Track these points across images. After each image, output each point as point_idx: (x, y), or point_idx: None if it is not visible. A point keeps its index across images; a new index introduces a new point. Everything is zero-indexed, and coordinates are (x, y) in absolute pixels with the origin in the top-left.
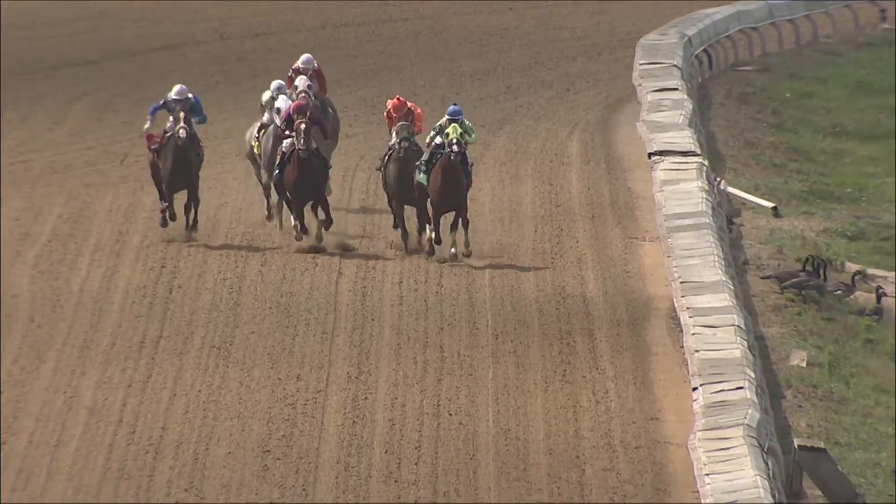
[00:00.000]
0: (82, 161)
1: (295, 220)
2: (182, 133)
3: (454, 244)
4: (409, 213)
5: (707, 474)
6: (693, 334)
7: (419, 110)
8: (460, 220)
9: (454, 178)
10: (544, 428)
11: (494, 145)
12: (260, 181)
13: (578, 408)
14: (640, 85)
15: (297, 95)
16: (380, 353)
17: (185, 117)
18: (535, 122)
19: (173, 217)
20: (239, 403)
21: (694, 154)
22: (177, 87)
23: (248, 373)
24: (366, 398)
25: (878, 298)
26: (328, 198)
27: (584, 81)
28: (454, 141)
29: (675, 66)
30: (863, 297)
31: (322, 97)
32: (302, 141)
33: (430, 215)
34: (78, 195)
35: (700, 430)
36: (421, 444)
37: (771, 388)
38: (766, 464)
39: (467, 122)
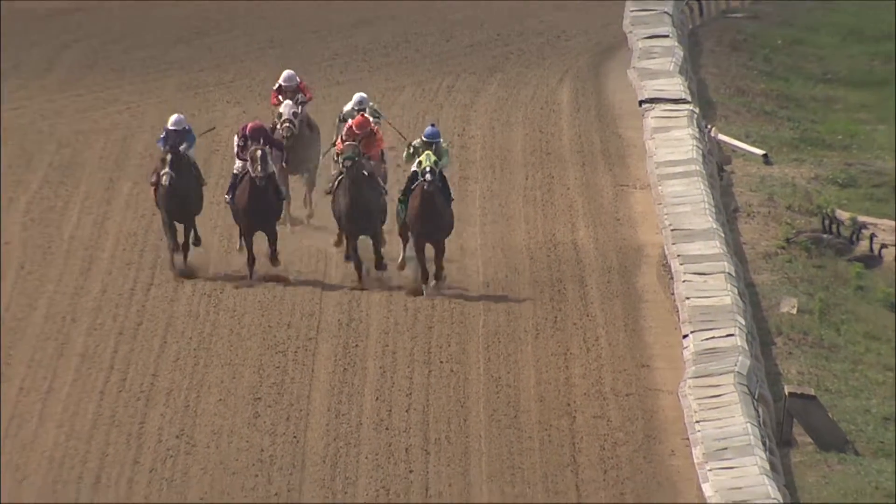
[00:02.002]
0: (73, 108)
1: (243, 246)
2: (165, 181)
3: (430, 279)
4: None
5: (697, 421)
6: (684, 282)
7: (381, 135)
8: (440, 258)
9: (430, 207)
10: (535, 375)
11: (485, 93)
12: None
13: (569, 355)
14: (630, 32)
15: (282, 125)
16: (370, 301)
17: (171, 160)
18: (526, 70)
19: (176, 249)
20: (230, 351)
21: (685, 101)
22: (174, 117)
23: (238, 320)
24: (356, 346)
25: (872, 246)
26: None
27: (574, 29)
28: (427, 170)
29: (665, 13)
30: (864, 245)
31: (307, 118)
32: (259, 168)
33: (411, 242)
34: (69, 143)
35: (690, 378)
36: (412, 391)
37: (761, 335)
38: (757, 411)
39: (443, 145)
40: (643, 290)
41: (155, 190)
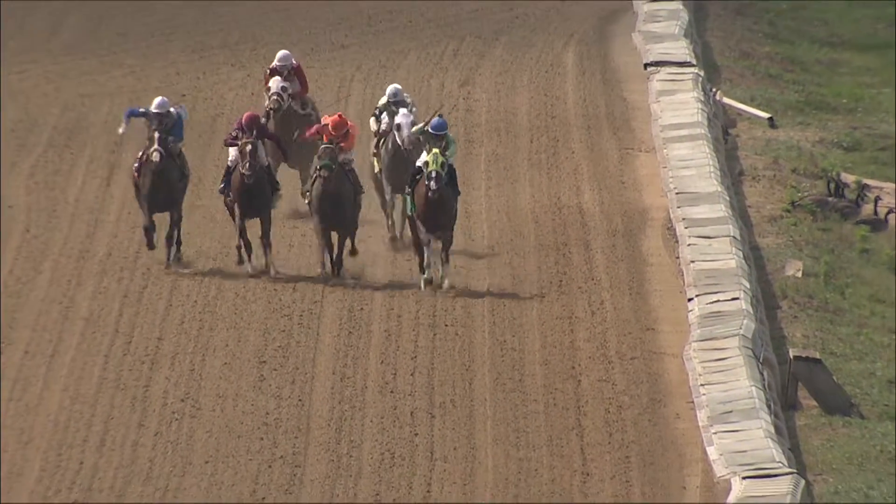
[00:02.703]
0: (78, 72)
1: (238, 238)
2: (156, 157)
3: (443, 278)
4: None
5: (702, 385)
6: (689, 245)
7: (357, 131)
8: (447, 249)
9: (438, 207)
10: (540, 339)
11: (491, 56)
12: (383, 207)
13: (574, 319)
14: None
15: (269, 98)
16: (375, 264)
17: (159, 138)
18: (531, 34)
19: (156, 242)
20: (235, 314)
21: (690, 65)
22: (157, 100)
23: (243, 283)
24: (361, 309)
25: (876, 209)
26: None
27: None
28: (433, 175)
29: None
30: (868, 208)
31: (303, 96)
32: (247, 165)
33: (419, 239)
34: (73, 106)
35: (695, 341)
36: (417, 354)
37: (766, 298)
38: (762, 374)
39: (450, 135)
40: (648, 254)
41: (137, 175)
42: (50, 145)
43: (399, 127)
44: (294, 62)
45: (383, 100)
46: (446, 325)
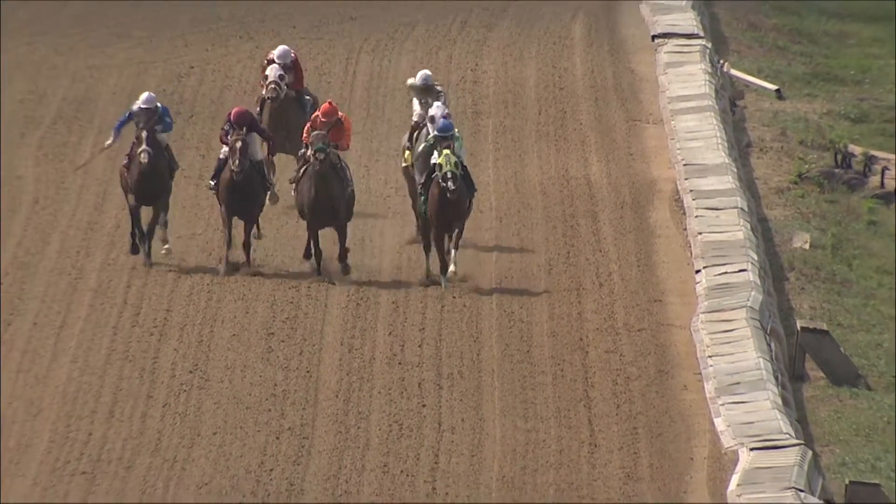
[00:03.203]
0: (86, 44)
1: (224, 231)
2: (144, 158)
3: (449, 266)
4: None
5: (710, 356)
6: (696, 217)
7: (350, 122)
8: (457, 239)
9: (454, 207)
10: (548, 310)
11: (499, 28)
12: (412, 196)
13: (582, 290)
14: None
15: (267, 87)
16: (384, 235)
17: (147, 137)
18: (539, 5)
19: (143, 241)
20: (243, 286)
21: (697, 36)
22: (144, 95)
23: (252, 255)
24: (369, 281)
25: (883, 180)
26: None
27: None
28: (449, 175)
29: None
30: (875, 180)
31: (298, 89)
32: (237, 162)
33: (431, 238)
34: (82, 78)
35: (703, 313)
36: (424, 326)
37: (774, 270)
38: (769, 346)
39: (456, 132)
40: (656, 226)
41: (126, 171)
42: (59, 117)
43: (433, 119)
44: (293, 55)
45: (414, 81)
46: (454, 297)
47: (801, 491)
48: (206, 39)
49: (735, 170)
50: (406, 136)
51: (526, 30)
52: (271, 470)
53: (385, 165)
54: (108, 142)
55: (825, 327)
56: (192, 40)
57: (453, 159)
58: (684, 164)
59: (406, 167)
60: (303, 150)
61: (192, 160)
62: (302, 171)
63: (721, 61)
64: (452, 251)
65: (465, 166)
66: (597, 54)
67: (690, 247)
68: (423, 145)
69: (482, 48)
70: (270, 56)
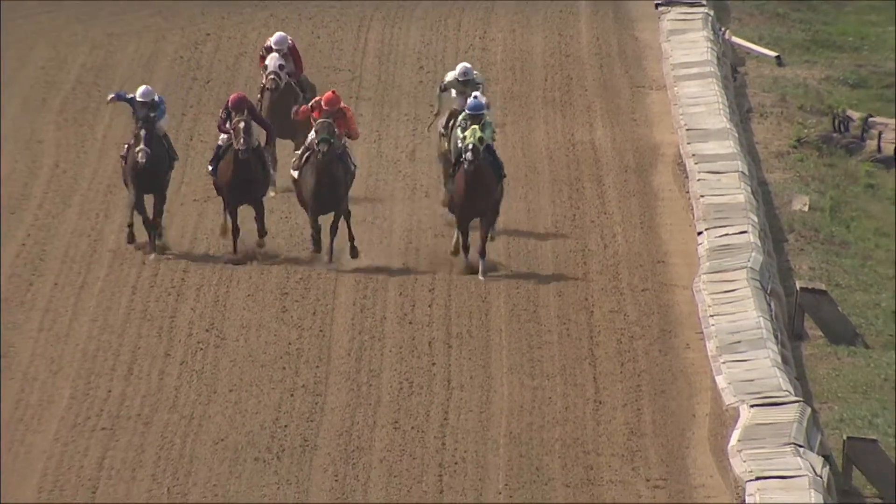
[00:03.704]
0: (106, 11)
1: (228, 221)
2: (141, 158)
3: (482, 256)
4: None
5: (711, 315)
6: (698, 180)
7: (352, 113)
8: (487, 229)
9: (477, 185)
10: (554, 271)
11: None
12: (446, 186)
13: (587, 252)
14: None
15: (266, 77)
16: (394, 198)
17: (145, 136)
18: None
19: (144, 223)
20: (258, 246)
21: (700, 5)
22: (142, 88)
23: (266, 217)
24: (381, 242)
25: (880, 144)
26: (269, 195)
27: None
28: (469, 147)
29: None
30: (872, 145)
31: (299, 76)
32: (242, 141)
33: (457, 222)
34: (101, 45)
35: (705, 273)
36: (434, 287)
37: (774, 231)
38: (769, 305)
39: (488, 118)
40: (659, 189)
41: (124, 163)
42: (78, 83)
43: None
44: (290, 42)
45: (450, 76)
46: (463, 259)
47: (800, 446)
48: (222, 8)
49: (736, 134)
50: (441, 123)
51: None
52: (286, 426)
53: (395, 130)
54: (109, 97)
55: (824, 287)
56: (208, 8)
57: (478, 134)
58: (687, 129)
59: (442, 153)
60: (305, 138)
61: (208, 126)
62: (304, 157)
63: (723, 29)
64: (480, 263)
65: (495, 151)
66: (602, 22)
67: (693, 209)
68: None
69: (490, 16)
70: (268, 43)
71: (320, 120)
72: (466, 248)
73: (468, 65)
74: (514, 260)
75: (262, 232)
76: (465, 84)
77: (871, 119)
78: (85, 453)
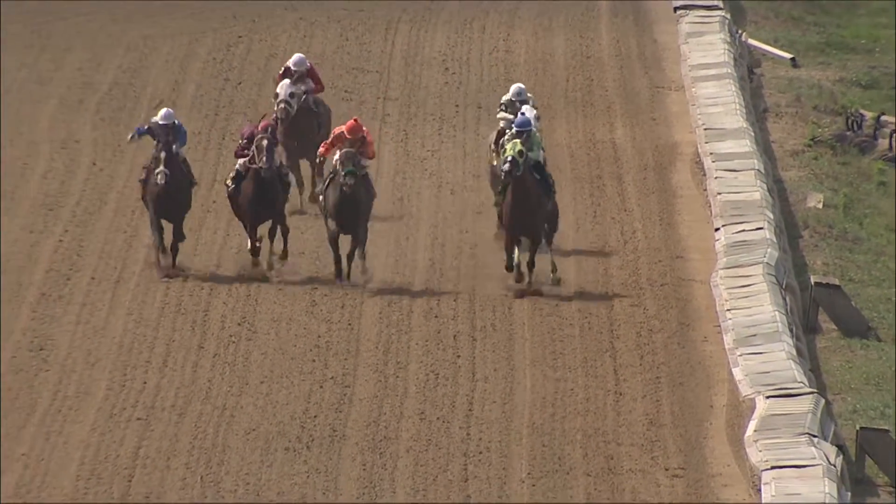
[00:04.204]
0: (141, 14)
1: (248, 241)
2: (161, 179)
3: (531, 276)
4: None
5: (728, 309)
6: (716, 178)
7: (371, 136)
8: (535, 248)
9: (521, 198)
10: (575, 266)
11: (529, 0)
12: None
13: (607, 247)
14: None
15: (277, 105)
16: (420, 196)
17: (165, 157)
18: None
19: (164, 251)
20: (289, 243)
21: (717, 8)
22: (163, 112)
23: (298, 215)
24: (407, 238)
25: (891, 143)
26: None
27: None
28: (509, 159)
29: None
30: (884, 144)
31: (316, 95)
32: (265, 159)
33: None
34: (136, 46)
35: (722, 268)
36: (459, 281)
37: (789, 228)
38: (784, 299)
39: (536, 134)
40: (677, 186)
41: (143, 186)
42: (115, 83)
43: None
44: (308, 65)
45: (507, 96)
46: (488, 254)
47: (815, 436)
48: (253, 11)
49: (752, 133)
50: (492, 139)
51: (554, 1)
52: (315, 416)
53: (422, 129)
54: (129, 137)
55: (837, 282)
56: (239, 12)
57: (518, 148)
58: (704, 129)
59: (493, 166)
60: (324, 162)
61: (240, 124)
62: (327, 183)
63: (739, 31)
64: (525, 273)
65: (543, 168)
66: (622, 25)
67: (710, 206)
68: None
69: (513, 19)
70: (287, 65)
71: (345, 150)
72: (512, 267)
73: (521, 85)
74: (538, 255)
75: (285, 251)
76: (521, 104)
77: (882, 118)
78: (121, 443)
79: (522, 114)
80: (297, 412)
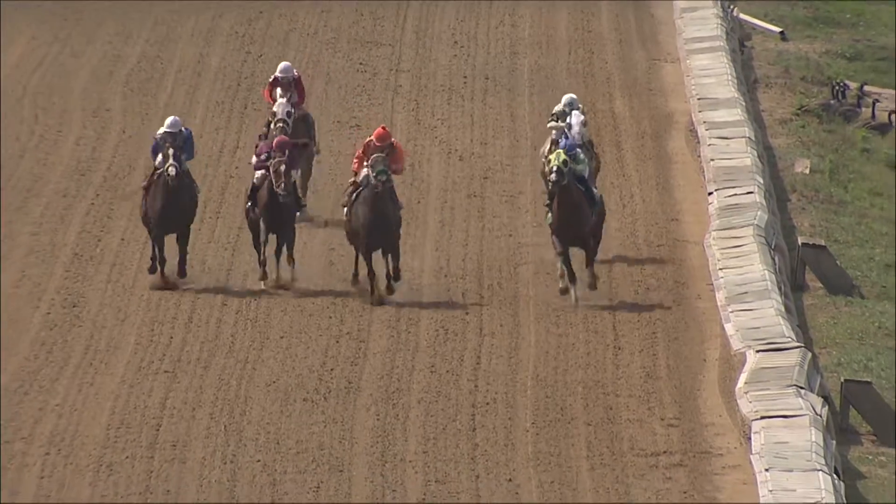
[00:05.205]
0: None
1: (258, 254)
2: (172, 171)
3: (590, 286)
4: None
5: (721, 269)
6: (709, 145)
7: (402, 148)
8: (589, 258)
9: (568, 208)
10: None
11: None
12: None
13: (607, 210)
14: None
15: (276, 125)
16: (431, 162)
17: (174, 154)
18: None
19: (163, 263)
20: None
21: None
22: (169, 119)
23: (313, 183)
24: (418, 202)
25: (874, 111)
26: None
27: None
28: (554, 169)
29: None
30: (867, 112)
31: (300, 105)
32: (282, 185)
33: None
34: (164, 20)
35: (715, 230)
36: (468, 242)
37: (778, 192)
38: (773, 259)
39: (581, 155)
40: (673, 153)
41: (146, 194)
42: (143, 56)
43: (570, 126)
44: (295, 73)
45: (559, 107)
46: (494, 217)
47: (802, 388)
48: None
49: (743, 103)
50: (545, 149)
51: None
52: (332, 369)
53: (432, 100)
54: (158, 160)
55: (823, 243)
56: None
57: (562, 157)
58: (698, 99)
59: (544, 172)
60: (358, 177)
61: (259, 96)
62: (355, 194)
63: (731, 6)
64: (572, 291)
65: (587, 182)
66: (620, 1)
67: (703, 172)
68: None
69: None
70: (274, 75)
71: (374, 155)
72: (572, 276)
73: (573, 95)
74: (541, 218)
75: (290, 259)
76: (569, 114)
77: (865, 88)
78: (149, 394)
79: (567, 136)
80: (314, 365)
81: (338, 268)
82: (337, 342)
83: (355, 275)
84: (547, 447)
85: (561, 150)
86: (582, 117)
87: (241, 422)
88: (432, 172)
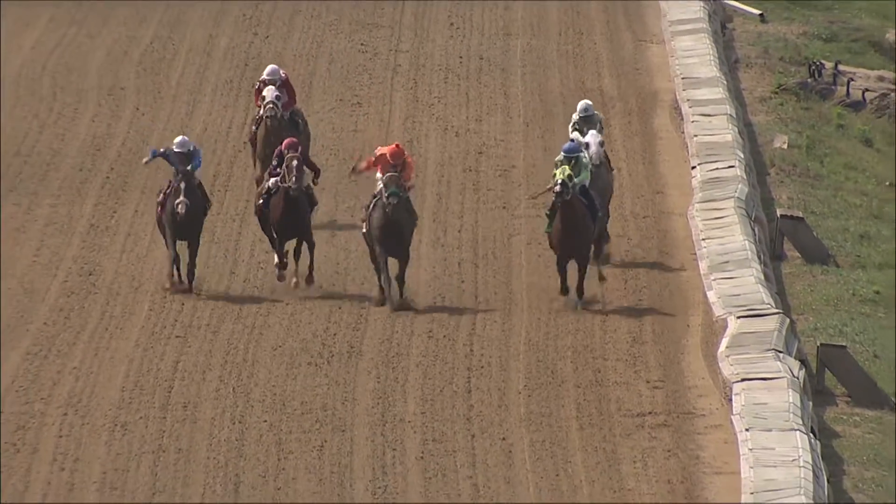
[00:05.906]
0: None
1: (276, 256)
2: (181, 209)
3: (578, 296)
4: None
5: (703, 239)
6: (692, 122)
7: (412, 162)
8: (580, 271)
9: (568, 221)
10: None
11: None
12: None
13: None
14: None
15: (265, 107)
16: (428, 137)
17: (185, 188)
18: None
19: (177, 261)
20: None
21: None
22: (178, 139)
23: (317, 158)
24: (417, 176)
25: (848, 90)
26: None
27: None
28: (558, 182)
29: None
30: (842, 91)
31: (292, 108)
32: (294, 179)
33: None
34: (175, 3)
35: (698, 202)
36: (463, 214)
37: (757, 166)
38: (753, 230)
39: (584, 160)
40: (658, 129)
41: (160, 210)
42: (156, 37)
43: (587, 146)
44: (283, 75)
45: (575, 115)
46: (489, 190)
47: (780, 352)
48: None
49: (725, 82)
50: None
51: None
52: (335, 334)
53: (429, 78)
54: (144, 160)
55: (801, 214)
56: None
57: (567, 172)
58: (682, 78)
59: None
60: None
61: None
62: (372, 206)
63: None
64: (576, 300)
65: (590, 193)
66: None
67: (687, 147)
68: None
69: None
70: (262, 77)
71: (389, 174)
72: (566, 289)
73: (589, 102)
74: (533, 190)
75: (311, 270)
76: (586, 121)
77: (839, 67)
78: (161, 357)
79: (572, 140)
80: (318, 330)
81: (339, 239)
82: (339, 308)
83: (386, 282)
84: (538, 408)
85: (566, 166)
86: (599, 137)
87: (249, 384)
88: (430, 148)
